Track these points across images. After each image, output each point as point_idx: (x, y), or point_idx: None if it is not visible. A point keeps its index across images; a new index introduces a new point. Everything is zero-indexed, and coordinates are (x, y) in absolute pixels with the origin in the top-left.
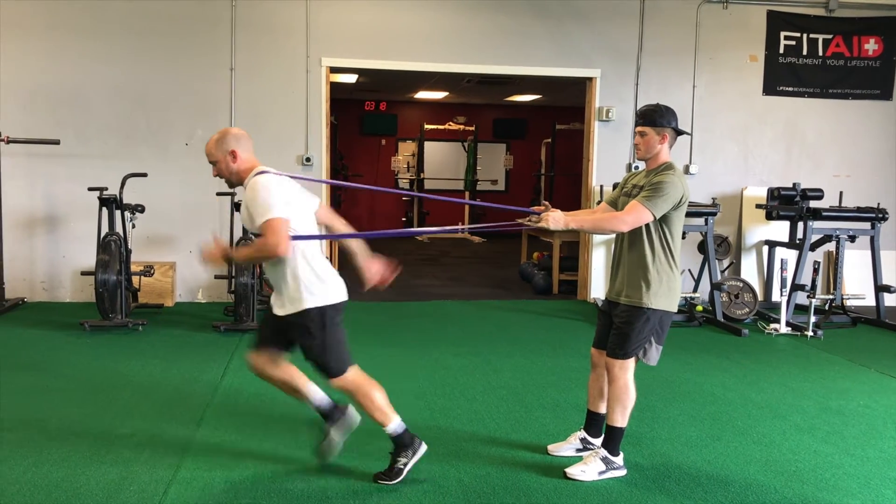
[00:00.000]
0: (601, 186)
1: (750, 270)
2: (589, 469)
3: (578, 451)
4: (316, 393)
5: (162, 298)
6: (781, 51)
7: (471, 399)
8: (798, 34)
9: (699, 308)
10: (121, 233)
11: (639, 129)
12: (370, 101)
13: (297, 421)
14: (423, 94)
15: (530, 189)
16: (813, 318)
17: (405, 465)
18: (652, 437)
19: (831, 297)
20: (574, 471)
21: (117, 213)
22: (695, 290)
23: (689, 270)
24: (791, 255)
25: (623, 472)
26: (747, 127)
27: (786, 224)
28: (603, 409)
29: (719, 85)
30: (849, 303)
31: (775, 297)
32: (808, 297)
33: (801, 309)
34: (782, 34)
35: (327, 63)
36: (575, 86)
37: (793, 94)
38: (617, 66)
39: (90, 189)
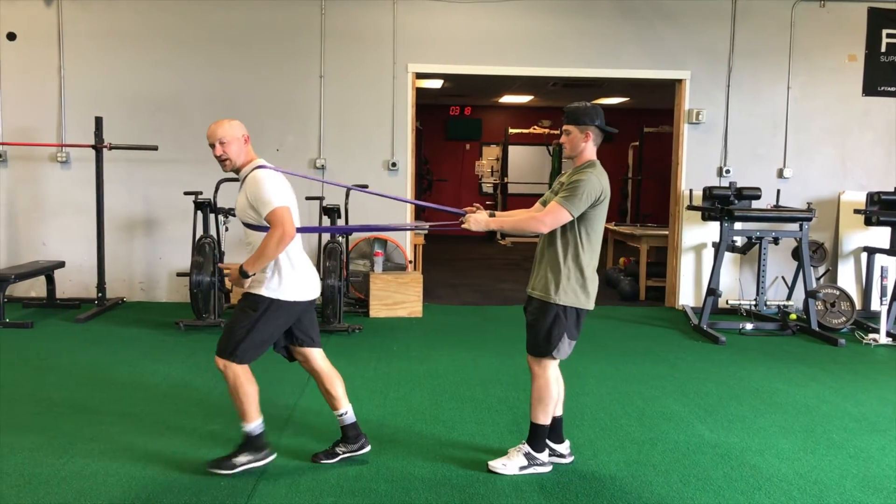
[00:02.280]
0: (690, 190)
1: (847, 278)
2: (511, 463)
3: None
4: (347, 410)
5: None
6: (883, 49)
7: None
8: None
9: (793, 316)
10: (214, 235)
11: (563, 127)
12: (455, 106)
13: (381, 424)
14: (507, 99)
15: (617, 193)
16: None
17: (242, 463)
18: (741, 448)
19: None
20: (496, 464)
21: (211, 216)
22: (788, 298)
23: (783, 277)
24: (892, 263)
25: (546, 469)
26: (845, 129)
27: (887, 230)
28: (557, 412)
29: (815, 86)
30: None
31: (874, 306)
32: None
33: None
34: (884, 32)
35: (413, 69)
36: (664, 88)
37: (895, 94)
38: (707, 68)
39: (186, 193)
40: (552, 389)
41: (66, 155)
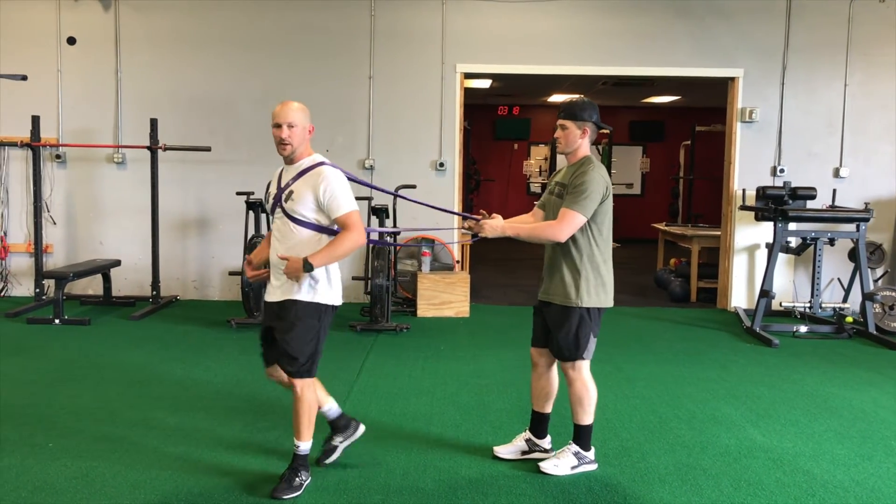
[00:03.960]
0: (743, 190)
1: None
2: (562, 463)
3: (524, 452)
4: (330, 405)
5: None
6: None
7: (601, 407)
8: None
9: (849, 319)
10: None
11: (559, 122)
12: (503, 106)
13: (429, 423)
14: (556, 98)
15: (668, 193)
16: None
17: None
18: (794, 454)
19: None
20: (547, 465)
21: (263, 216)
22: (844, 301)
23: (839, 279)
24: None
25: (594, 467)
26: None
27: None
28: (547, 409)
29: (874, 83)
30: None
31: None
32: None
33: None
34: None
35: (462, 69)
36: (716, 86)
37: None
38: (761, 65)
39: (238, 193)
40: (590, 389)
41: (122, 156)
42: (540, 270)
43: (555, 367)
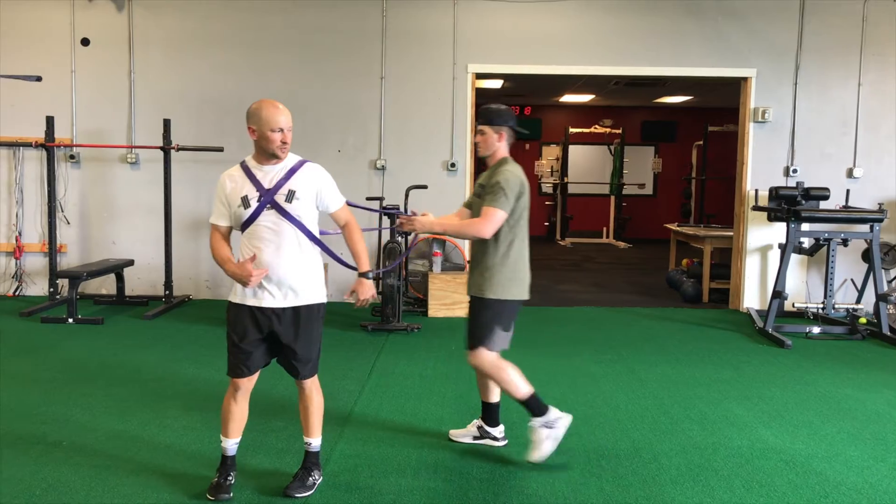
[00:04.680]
0: (756, 191)
1: None
2: (542, 446)
3: (476, 438)
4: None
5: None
6: None
7: (614, 408)
8: None
9: (863, 320)
10: None
11: (478, 127)
12: (514, 106)
13: (440, 422)
14: (568, 98)
15: (680, 193)
16: None
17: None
18: (807, 455)
19: None
20: (532, 455)
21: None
22: (858, 302)
23: (852, 280)
24: None
25: (568, 418)
26: None
27: None
28: (492, 399)
29: (888, 82)
30: None
31: None
32: None
33: None
34: None
35: (473, 69)
36: (728, 86)
37: None
38: (774, 65)
39: None
40: (503, 368)
41: (135, 156)
42: (549, 270)
43: None
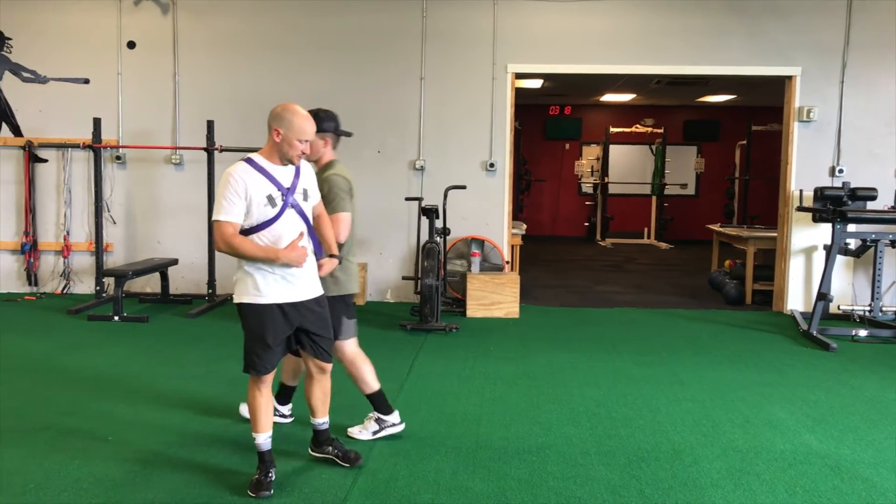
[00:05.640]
0: (801, 191)
1: None
2: (366, 430)
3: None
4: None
5: (354, 298)
6: None
7: (654, 410)
8: None
9: None
10: None
11: None
12: (554, 106)
13: (478, 423)
14: (608, 97)
15: (723, 193)
16: None
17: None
18: (853, 461)
19: None
20: (353, 430)
21: None
22: None
23: None
24: None
25: (398, 429)
26: None
27: None
28: (293, 382)
29: None
30: None
31: None
32: None
33: None
34: None
35: (513, 69)
36: (772, 85)
37: None
38: (819, 63)
39: None
40: (358, 364)
41: (179, 157)
42: (589, 271)
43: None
